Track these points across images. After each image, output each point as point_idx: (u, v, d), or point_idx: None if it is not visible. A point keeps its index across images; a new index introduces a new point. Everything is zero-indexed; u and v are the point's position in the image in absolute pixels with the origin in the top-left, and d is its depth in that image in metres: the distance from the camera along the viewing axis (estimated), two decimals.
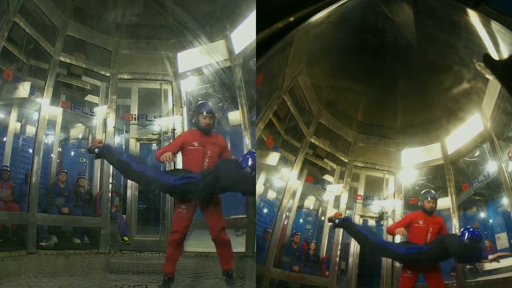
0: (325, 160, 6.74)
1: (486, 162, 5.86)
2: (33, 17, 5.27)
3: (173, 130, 6.09)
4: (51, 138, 6.57)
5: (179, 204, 3.55)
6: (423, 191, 4.36)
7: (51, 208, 5.59)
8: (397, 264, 5.72)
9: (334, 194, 6.78)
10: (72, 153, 7.41)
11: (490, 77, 4.72)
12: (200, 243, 5.25)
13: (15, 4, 4.87)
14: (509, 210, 5.38)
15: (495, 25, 4.00)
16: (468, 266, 5.60)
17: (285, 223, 6.29)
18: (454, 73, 5.54)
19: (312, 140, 6.43)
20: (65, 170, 6.17)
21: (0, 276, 3.79)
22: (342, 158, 6.80)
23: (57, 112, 6.27)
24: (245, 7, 5.40)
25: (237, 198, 3.99)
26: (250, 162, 3.23)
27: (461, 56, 5.23)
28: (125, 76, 6.22)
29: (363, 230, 4.21)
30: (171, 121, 6.18)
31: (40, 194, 5.40)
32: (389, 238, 4.87)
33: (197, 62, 6.11)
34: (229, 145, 7.59)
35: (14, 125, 6.08)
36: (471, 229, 3.85)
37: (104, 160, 4.31)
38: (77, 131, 7.27)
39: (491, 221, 6.36)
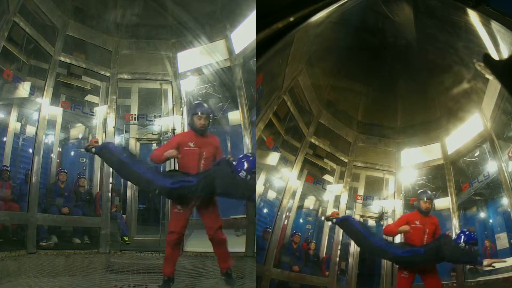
0: (325, 160, 6.74)
1: (486, 162, 5.86)
2: (33, 17, 5.26)
3: (173, 130, 6.09)
4: (51, 138, 6.57)
5: (175, 205, 3.55)
6: (419, 191, 4.36)
7: (51, 208, 5.59)
8: None
9: (334, 194, 6.79)
10: (72, 153, 7.41)
11: (490, 77, 4.72)
12: (200, 243, 5.25)
13: (15, 4, 4.87)
14: (509, 210, 5.38)
15: (495, 25, 4.00)
16: (468, 266, 5.60)
17: (285, 223, 6.29)
18: (454, 73, 5.54)
19: (312, 140, 6.43)
20: (65, 170, 6.16)
21: (0, 276, 3.78)
22: (342, 158, 6.80)
23: (57, 112, 6.26)
24: (245, 7, 5.40)
25: None
26: (245, 166, 3.24)
27: (461, 56, 5.23)
28: (125, 76, 6.21)
29: (361, 230, 4.16)
30: (171, 121, 6.18)
31: (40, 194, 5.39)
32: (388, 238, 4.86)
33: (197, 62, 6.11)
34: (229, 145, 7.63)
35: (14, 125, 6.07)
36: (467, 232, 3.84)
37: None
38: (77, 131, 7.26)
39: (491, 221, 6.36)
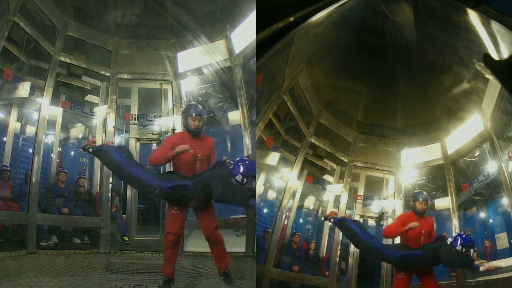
0: (325, 160, 6.74)
1: (486, 162, 5.86)
2: (33, 17, 5.26)
3: (173, 130, 6.08)
4: (51, 138, 6.57)
5: (171, 206, 3.56)
6: (415, 192, 4.36)
7: (51, 208, 5.60)
8: None
9: (334, 194, 6.79)
10: (72, 153, 7.41)
11: (490, 77, 4.72)
12: (200, 243, 5.23)
13: (15, 4, 4.87)
14: (509, 210, 5.38)
15: (495, 25, 4.00)
16: None
17: (285, 223, 6.29)
18: (454, 73, 5.54)
19: (312, 140, 6.43)
20: (65, 170, 6.17)
21: (0, 276, 3.79)
22: (342, 158, 6.80)
23: (57, 112, 6.27)
24: (245, 7, 5.40)
25: None
26: (241, 169, 3.24)
27: (461, 56, 5.23)
28: (125, 76, 6.21)
29: (357, 231, 4.12)
30: (171, 121, 6.18)
31: (40, 194, 5.39)
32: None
33: (197, 62, 6.11)
34: (229, 145, 7.63)
35: (14, 125, 6.08)
36: (464, 235, 3.85)
37: None
38: (77, 131, 7.27)
39: (491, 221, 6.36)
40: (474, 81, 5.39)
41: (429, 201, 4.11)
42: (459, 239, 3.77)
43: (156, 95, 6.62)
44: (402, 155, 6.84)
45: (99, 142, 6.01)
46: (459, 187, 6.27)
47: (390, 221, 6.48)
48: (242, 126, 5.74)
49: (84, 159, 7.11)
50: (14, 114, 6.00)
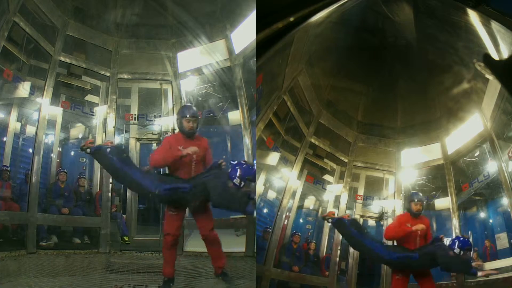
0: (325, 160, 6.74)
1: (486, 162, 5.87)
2: (33, 17, 5.26)
3: (173, 130, 6.08)
4: (51, 138, 6.57)
5: (168, 207, 3.57)
6: (410, 193, 4.36)
7: (51, 208, 5.59)
8: None
9: (334, 194, 6.79)
10: (72, 153, 7.41)
11: (490, 77, 4.72)
12: (200, 243, 5.20)
13: (15, 4, 4.87)
14: (509, 210, 5.39)
15: (495, 25, 4.00)
16: None
17: (285, 223, 6.29)
18: (454, 73, 5.54)
19: (312, 140, 6.43)
20: (65, 170, 6.17)
21: (0, 276, 3.78)
22: (342, 158, 6.80)
23: (57, 112, 6.27)
24: (245, 7, 5.40)
25: None
26: (238, 173, 3.25)
27: (461, 56, 5.23)
28: (125, 76, 6.21)
29: (354, 233, 4.09)
30: (171, 121, 6.18)
31: (40, 194, 5.39)
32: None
33: (197, 62, 6.11)
34: (229, 145, 7.63)
35: (14, 125, 6.08)
36: (461, 238, 3.83)
37: None
38: (77, 131, 7.27)
39: (491, 221, 6.37)
40: (474, 81, 5.39)
41: (424, 202, 4.10)
42: (457, 242, 3.76)
43: (156, 95, 6.62)
44: (402, 155, 6.84)
45: (99, 142, 6.02)
46: (459, 187, 6.27)
47: (390, 221, 6.48)
48: (242, 126, 5.74)
49: (84, 159, 7.11)
50: (14, 114, 6.00)
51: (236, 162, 3.39)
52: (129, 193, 6.51)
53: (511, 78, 3.19)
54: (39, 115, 5.50)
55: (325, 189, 6.93)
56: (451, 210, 6.14)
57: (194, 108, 3.75)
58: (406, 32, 5.57)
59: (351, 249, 6.41)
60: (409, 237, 3.95)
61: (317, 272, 6.34)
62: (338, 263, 6.25)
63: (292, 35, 3.71)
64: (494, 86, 5.16)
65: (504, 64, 3.67)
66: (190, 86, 6.38)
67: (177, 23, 6.20)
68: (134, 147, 6.62)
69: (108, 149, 3.52)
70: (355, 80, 6.50)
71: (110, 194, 5.71)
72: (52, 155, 6.54)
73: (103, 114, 6.17)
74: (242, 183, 3.24)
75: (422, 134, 6.74)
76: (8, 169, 5.68)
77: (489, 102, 5.49)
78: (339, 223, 4.30)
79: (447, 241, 3.95)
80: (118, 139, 6.54)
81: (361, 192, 6.93)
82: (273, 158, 5.99)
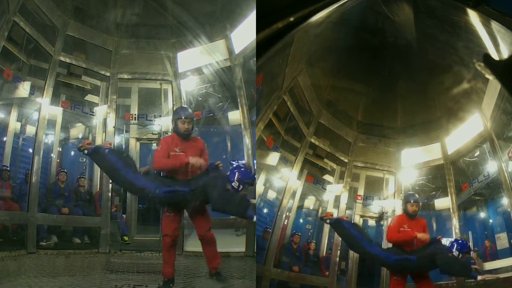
0: (325, 160, 6.74)
1: (486, 162, 5.87)
2: (33, 16, 5.26)
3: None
4: (51, 138, 6.57)
5: (166, 209, 3.58)
6: (406, 195, 4.36)
7: (51, 208, 5.59)
8: None
9: (334, 194, 6.79)
10: (72, 153, 7.41)
11: (490, 77, 4.72)
12: (200, 243, 5.25)
13: (15, 3, 4.86)
14: (509, 210, 5.39)
15: (495, 25, 4.00)
16: None
17: (285, 223, 6.29)
18: (454, 73, 5.54)
19: (312, 140, 6.43)
20: (65, 170, 6.17)
21: (0, 276, 3.78)
22: (342, 158, 6.80)
23: (57, 112, 6.26)
24: (245, 7, 5.39)
25: None
26: (236, 176, 3.29)
27: (461, 56, 5.23)
28: (125, 76, 6.20)
29: (353, 234, 4.08)
30: (171, 121, 6.17)
31: (40, 194, 5.39)
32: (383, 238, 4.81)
33: (197, 62, 6.10)
34: (229, 145, 7.63)
35: (14, 124, 6.08)
36: (460, 241, 3.85)
37: None
38: (77, 130, 7.27)
39: (491, 221, 6.37)
40: (474, 81, 5.39)
41: (420, 203, 4.10)
42: (455, 245, 3.77)
43: (156, 95, 6.62)
44: (402, 155, 6.84)
45: (99, 141, 6.04)
46: (459, 187, 6.27)
47: (390, 221, 6.47)
48: (242, 126, 5.74)
49: (84, 159, 7.11)
50: (14, 114, 6.00)
51: (235, 165, 3.41)
52: (129, 193, 6.50)
53: (511, 78, 3.19)
54: (39, 115, 5.49)
55: (325, 189, 6.93)
56: (451, 210, 6.14)
57: (189, 110, 3.80)
58: (406, 32, 5.57)
59: None
60: (406, 239, 3.95)
61: (317, 272, 6.34)
62: (338, 263, 6.25)
63: (292, 35, 3.72)
64: (494, 86, 5.16)
65: (504, 64, 3.66)
66: (190, 86, 6.37)
67: (177, 23, 6.20)
68: (134, 147, 6.62)
69: (106, 151, 3.52)
70: (355, 80, 6.50)
71: (110, 194, 5.70)
72: (52, 155, 6.54)
73: (103, 114, 6.17)
74: (241, 187, 3.26)
75: (422, 134, 6.74)
76: (8, 169, 5.69)
77: (489, 102, 5.49)
78: (337, 224, 4.29)
79: (446, 241, 3.95)
80: (118, 139, 6.54)
81: (361, 192, 6.93)
82: (273, 158, 5.99)
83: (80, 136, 7.24)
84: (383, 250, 4.11)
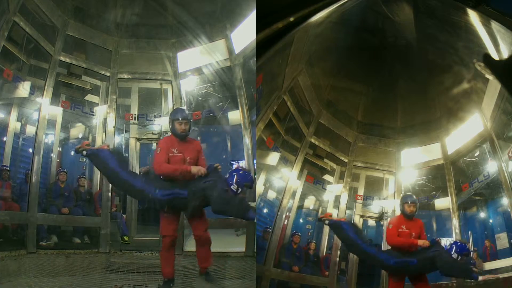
0: (325, 160, 6.74)
1: (486, 162, 5.87)
2: (33, 16, 5.26)
3: None
4: (51, 138, 6.57)
5: (163, 209, 3.58)
6: (403, 196, 4.36)
7: (51, 208, 5.58)
8: None
9: (334, 194, 6.79)
10: (72, 153, 7.38)
11: (490, 77, 4.72)
12: None
13: (15, 3, 4.86)
14: (509, 210, 5.39)
15: (495, 25, 4.00)
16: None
17: (285, 223, 6.29)
18: (454, 73, 5.54)
19: (312, 140, 6.43)
20: (65, 170, 6.16)
21: (0, 276, 3.78)
22: (342, 158, 6.80)
23: (57, 112, 6.26)
24: (245, 7, 5.39)
25: None
26: (234, 179, 3.31)
27: (461, 56, 5.23)
28: (125, 76, 6.20)
29: (352, 236, 4.06)
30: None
31: (40, 194, 5.39)
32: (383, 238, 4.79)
33: (197, 62, 6.11)
34: (229, 144, 7.63)
35: (14, 124, 6.08)
36: (459, 243, 3.84)
37: None
38: (77, 130, 7.27)
39: (491, 221, 6.37)
40: (474, 81, 5.39)
41: (417, 204, 4.10)
42: (454, 247, 3.77)
43: (156, 94, 6.62)
44: (402, 155, 6.84)
45: (99, 141, 6.04)
46: (459, 187, 6.27)
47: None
48: (242, 126, 5.74)
49: (84, 159, 7.07)
50: (14, 114, 6.00)
51: (233, 168, 3.42)
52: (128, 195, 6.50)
53: (511, 78, 3.19)
54: (39, 115, 5.49)
55: (325, 189, 6.92)
56: (451, 210, 6.14)
57: (186, 111, 3.81)
58: (406, 32, 5.57)
59: None
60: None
61: (317, 272, 6.33)
62: (338, 263, 6.25)
63: (292, 35, 3.72)
64: (494, 86, 5.16)
65: (504, 64, 3.66)
66: (190, 86, 6.37)
67: (177, 23, 6.20)
68: (134, 147, 6.61)
69: (105, 153, 3.51)
70: (355, 80, 6.50)
71: (110, 194, 5.70)
72: (52, 155, 6.54)
73: (103, 114, 6.16)
74: (239, 190, 3.28)
75: (422, 134, 6.74)
76: (8, 169, 5.69)
77: (489, 102, 5.49)
78: (336, 226, 4.26)
79: (446, 241, 3.96)
80: (118, 139, 6.54)
81: (361, 192, 6.93)
82: (273, 158, 5.99)
83: (80, 136, 7.24)
84: (382, 252, 4.10)
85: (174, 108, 5.98)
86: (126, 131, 6.83)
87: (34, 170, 5.24)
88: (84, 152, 3.54)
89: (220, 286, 3.84)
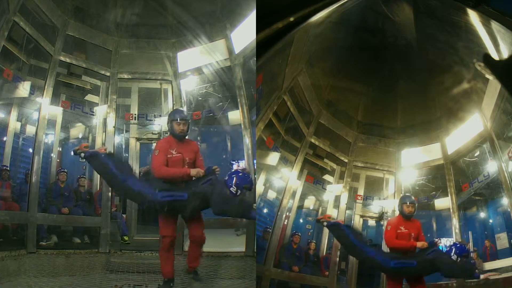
0: (325, 160, 6.74)
1: (486, 162, 5.87)
2: (33, 16, 5.26)
3: None
4: (51, 138, 6.57)
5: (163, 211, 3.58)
6: (402, 196, 4.36)
7: (51, 208, 5.58)
8: None
9: (334, 194, 6.79)
10: (72, 153, 7.39)
11: (490, 77, 4.72)
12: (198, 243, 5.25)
13: (15, 3, 4.86)
14: (509, 210, 5.39)
15: (495, 25, 4.00)
16: None
17: (285, 223, 6.29)
18: (454, 73, 5.55)
19: (312, 140, 6.43)
20: (65, 170, 6.16)
21: (0, 276, 3.78)
22: (342, 158, 6.80)
23: (57, 112, 6.26)
24: (245, 7, 5.39)
25: None
26: (234, 181, 3.31)
27: (461, 56, 5.23)
28: (125, 76, 6.20)
29: (351, 238, 4.03)
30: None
31: (40, 194, 5.38)
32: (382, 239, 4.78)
33: (197, 62, 6.10)
34: (229, 144, 7.63)
35: (14, 124, 6.08)
36: (458, 245, 3.84)
37: None
38: (77, 130, 7.27)
39: (491, 221, 6.37)
40: (474, 81, 5.39)
41: (416, 205, 4.10)
42: (454, 249, 3.76)
43: (156, 94, 6.62)
44: (402, 155, 6.84)
45: (99, 141, 6.04)
46: (459, 187, 6.27)
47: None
48: (242, 126, 5.74)
49: (84, 159, 7.09)
50: (14, 114, 6.01)
51: (233, 170, 3.42)
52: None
53: (511, 78, 3.18)
54: (39, 114, 5.49)
55: (325, 189, 6.93)
56: (451, 210, 6.14)
57: (185, 112, 3.85)
58: (406, 32, 5.57)
59: None
60: (402, 239, 3.96)
61: (317, 272, 6.34)
62: (338, 263, 6.25)
63: (292, 35, 3.72)
64: (494, 86, 5.16)
65: (504, 64, 3.66)
66: (190, 85, 6.37)
67: (177, 23, 6.20)
68: (134, 146, 6.62)
69: (103, 155, 3.51)
70: (355, 80, 6.50)
71: (110, 193, 5.69)
72: (52, 155, 6.55)
73: (103, 113, 6.16)
74: (239, 192, 3.28)
75: (422, 134, 6.74)
76: (8, 169, 5.69)
77: (489, 102, 5.49)
78: (335, 227, 4.22)
79: (446, 241, 3.96)
80: (118, 139, 6.54)
81: (361, 192, 6.93)
82: (273, 158, 5.99)
83: (80, 136, 7.24)
84: (382, 255, 4.09)
85: (174, 108, 5.99)
86: (126, 131, 6.84)
87: (34, 170, 5.24)
88: (82, 154, 3.53)
89: (220, 286, 3.84)
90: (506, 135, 5.50)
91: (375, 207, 7.03)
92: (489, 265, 5.66)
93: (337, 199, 6.68)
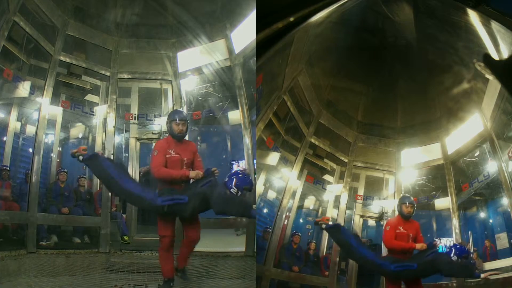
0: (325, 160, 6.74)
1: (486, 162, 5.87)
2: (33, 16, 5.26)
3: None
4: (51, 138, 6.57)
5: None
6: (401, 196, 4.37)
7: (51, 208, 5.58)
8: None
9: (334, 194, 6.79)
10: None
11: (490, 77, 4.72)
12: (199, 243, 5.24)
13: (15, 3, 4.86)
14: (509, 210, 5.39)
15: (495, 25, 4.00)
16: None
17: (285, 223, 6.29)
18: (454, 73, 5.54)
19: (312, 140, 6.43)
20: (65, 170, 6.16)
21: (0, 276, 3.79)
22: (342, 158, 6.80)
23: (57, 112, 6.26)
24: (245, 7, 5.39)
25: None
26: (233, 182, 3.30)
27: (461, 56, 5.23)
28: (125, 76, 6.20)
29: (351, 241, 3.98)
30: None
31: (40, 194, 5.39)
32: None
33: (197, 62, 6.10)
34: (229, 144, 7.62)
35: (14, 124, 6.08)
36: (458, 246, 3.85)
37: None
38: (77, 130, 7.27)
39: (491, 221, 6.37)
40: (474, 81, 5.39)
41: (415, 205, 4.11)
42: (454, 250, 3.76)
43: (156, 94, 6.62)
44: (402, 155, 6.84)
45: (99, 141, 6.04)
46: (459, 187, 6.27)
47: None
48: (242, 126, 5.74)
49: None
50: (14, 114, 6.00)
51: (233, 171, 3.41)
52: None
53: (511, 78, 3.18)
54: (39, 114, 5.49)
55: (325, 189, 6.92)
56: (451, 210, 6.14)
57: (184, 112, 3.86)
58: (406, 32, 5.57)
59: None
60: (400, 240, 3.96)
61: (317, 272, 6.33)
62: (338, 263, 6.25)
63: (292, 35, 3.73)
64: (494, 86, 5.16)
65: (504, 64, 3.66)
66: (190, 85, 6.37)
67: (177, 23, 6.20)
68: (134, 146, 6.62)
69: (101, 158, 3.50)
70: (355, 80, 6.49)
71: (110, 193, 5.69)
72: (52, 154, 6.54)
73: (103, 113, 6.16)
74: (239, 193, 3.28)
75: (422, 134, 6.74)
76: (8, 169, 5.68)
77: (489, 102, 5.49)
78: (333, 230, 4.15)
79: (446, 241, 3.95)
80: (118, 139, 6.54)
81: (361, 192, 6.93)
82: (273, 158, 5.99)
83: (80, 136, 7.24)
84: (381, 258, 4.09)
85: (174, 108, 5.99)
86: (126, 131, 6.83)
87: (34, 170, 5.24)
88: (80, 157, 3.48)
89: (220, 286, 3.84)
90: (506, 135, 5.50)
91: (375, 207, 7.03)
92: (489, 265, 5.65)
93: (337, 199, 6.68)
